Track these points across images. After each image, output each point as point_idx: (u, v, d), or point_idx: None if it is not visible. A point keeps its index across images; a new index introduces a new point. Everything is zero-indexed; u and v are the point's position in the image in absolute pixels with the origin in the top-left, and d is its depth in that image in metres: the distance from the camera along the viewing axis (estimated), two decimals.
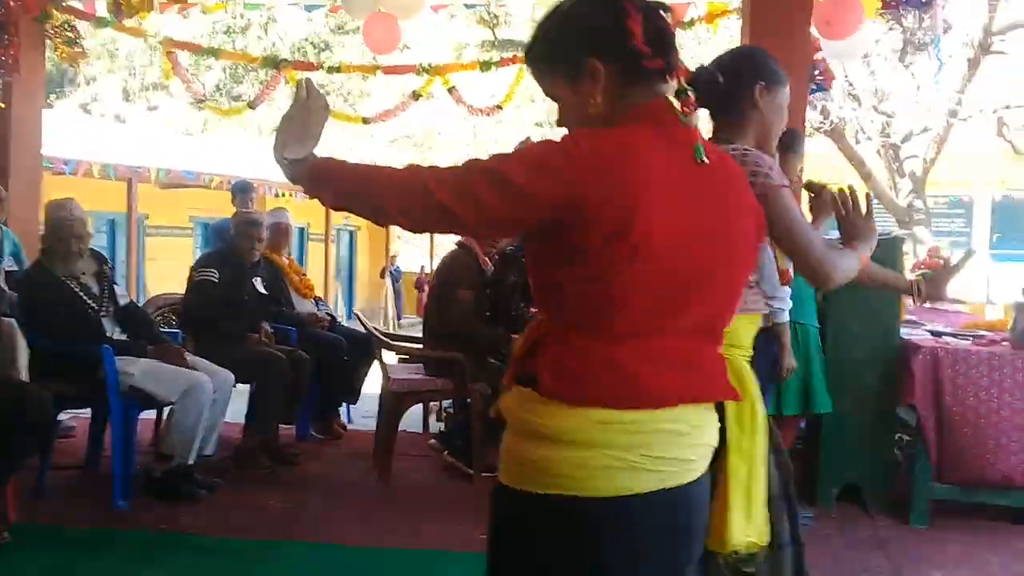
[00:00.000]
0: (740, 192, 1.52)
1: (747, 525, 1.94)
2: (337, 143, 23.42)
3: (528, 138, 6.37)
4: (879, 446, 4.13)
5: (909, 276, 3.03)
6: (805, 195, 3.75)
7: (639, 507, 1.39)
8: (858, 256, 2.14)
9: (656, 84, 1.46)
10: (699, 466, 1.45)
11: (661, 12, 1.47)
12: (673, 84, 1.47)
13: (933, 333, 4.35)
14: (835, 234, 4.46)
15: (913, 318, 4.90)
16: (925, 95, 11.42)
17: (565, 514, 1.39)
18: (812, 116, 9.76)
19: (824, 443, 4.13)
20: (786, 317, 3.46)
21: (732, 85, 2.09)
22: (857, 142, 12.03)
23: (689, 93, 1.45)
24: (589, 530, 1.40)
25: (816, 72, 5.55)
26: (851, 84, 11.43)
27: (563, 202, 1.34)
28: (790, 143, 3.85)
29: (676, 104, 1.46)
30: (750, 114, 2.18)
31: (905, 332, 4.27)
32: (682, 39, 12.01)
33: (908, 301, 5.42)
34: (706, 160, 1.41)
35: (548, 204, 1.35)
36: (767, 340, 3.46)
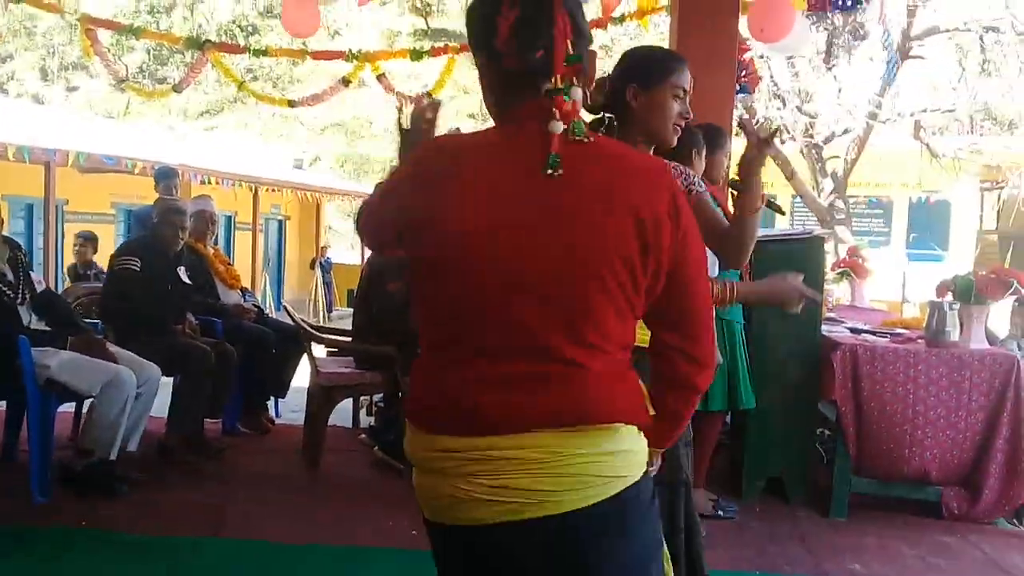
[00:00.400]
0: (614, 200, 1.35)
1: None
2: (268, 131, 23.00)
3: (457, 128, 6.37)
4: (801, 440, 4.23)
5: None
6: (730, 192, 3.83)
7: (487, 538, 1.35)
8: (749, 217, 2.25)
9: (531, 85, 1.39)
10: (576, 496, 1.32)
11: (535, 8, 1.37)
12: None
13: (853, 330, 4.48)
14: (764, 231, 4.57)
15: (834, 315, 5.04)
16: (847, 97, 11.76)
17: (441, 540, 1.45)
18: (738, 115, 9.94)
19: (748, 437, 4.23)
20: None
21: (615, 90, 2.25)
22: (782, 142, 12.32)
23: (564, 95, 1.35)
24: (452, 558, 1.44)
25: (742, 73, 5.65)
26: (776, 84, 11.70)
27: (398, 221, 1.44)
28: (717, 141, 3.91)
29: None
30: (628, 115, 2.27)
31: (826, 329, 4.39)
32: (613, 34, 12.14)
33: (828, 299, 5.58)
34: (556, 173, 1.32)
35: (391, 225, 1.48)
36: None
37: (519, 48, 1.37)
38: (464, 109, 20.64)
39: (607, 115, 2.25)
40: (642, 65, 2.29)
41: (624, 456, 1.37)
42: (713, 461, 4.15)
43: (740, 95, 5.89)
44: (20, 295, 4.00)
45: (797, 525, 3.95)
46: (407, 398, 1.46)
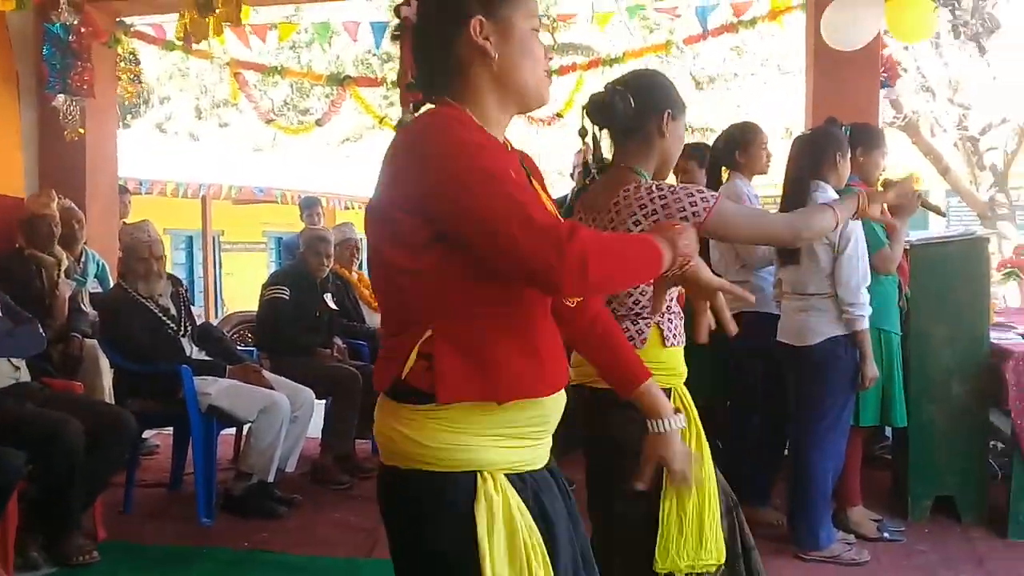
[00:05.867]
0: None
1: (700, 548, 2.07)
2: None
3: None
4: (971, 456, 3.94)
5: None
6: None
7: None
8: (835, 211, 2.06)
9: None
10: None
11: None
12: None
13: None
14: (920, 234, 4.32)
15: (1003, 320, 4.69)
16: (1003, 84, 11.03)
17: None
18: (884, 111, 9.48)
19: (913, 454, 3.97)
20: (866, 324, 3.34)
21: (640, 110, 2.09)
22: (932, 135, 11.67)
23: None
24: None
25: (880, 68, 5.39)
26: (924, 76, 11.09)
27: None
28: (872, 140, 3.72)
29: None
30: (656, 142, 2.14)
31: (995, 336, 4.08)
32: (744, 37, 11.80)
33: (995, 302, 5.21)
34: None
35: None
36: (848, 347, 3.35)
37: None
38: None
39: None
40: (676, 93, 2.18)
41: None
42: (875, 479, 3.93)
43: (883, 89, 5.63)
44: (183, 327, 4.23)
45: (972, 547, 3.67)
46: None
